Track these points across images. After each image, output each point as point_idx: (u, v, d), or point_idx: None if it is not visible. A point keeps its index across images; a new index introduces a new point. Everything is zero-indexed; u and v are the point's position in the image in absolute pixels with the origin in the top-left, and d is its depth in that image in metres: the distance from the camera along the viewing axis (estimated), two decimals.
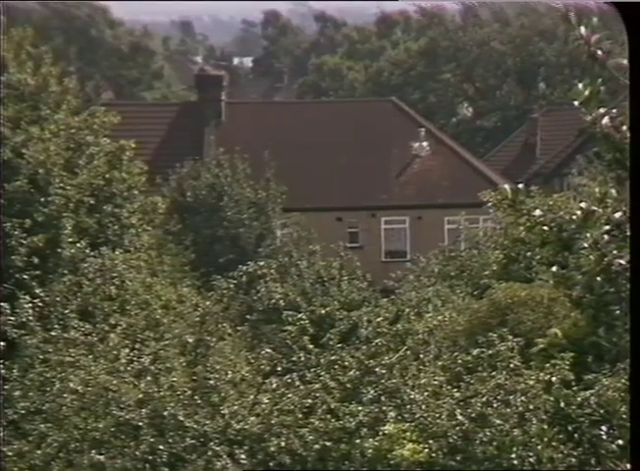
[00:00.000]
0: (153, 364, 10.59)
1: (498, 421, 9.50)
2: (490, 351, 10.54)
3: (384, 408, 9.89)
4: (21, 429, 10.10)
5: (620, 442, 7.76)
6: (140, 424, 9.81)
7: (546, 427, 9.26)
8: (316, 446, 9.44)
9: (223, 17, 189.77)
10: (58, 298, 13.90)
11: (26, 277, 16.64)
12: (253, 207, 32.02)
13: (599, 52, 6.08)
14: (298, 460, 9.33)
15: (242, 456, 9.41)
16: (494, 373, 10.16)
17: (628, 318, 7.15)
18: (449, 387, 10.24)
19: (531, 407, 9.54)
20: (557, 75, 62.28)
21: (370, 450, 9.46)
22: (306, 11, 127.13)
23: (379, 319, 11.25)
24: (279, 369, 10.56)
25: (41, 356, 11.06)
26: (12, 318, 11.51)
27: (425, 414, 9.73)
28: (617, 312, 7.42)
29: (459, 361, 10.70)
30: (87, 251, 17.42)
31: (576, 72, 55.45)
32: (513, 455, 9.12)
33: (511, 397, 9.73)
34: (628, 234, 6.31)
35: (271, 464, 9.30)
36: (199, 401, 10.17)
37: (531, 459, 9.03)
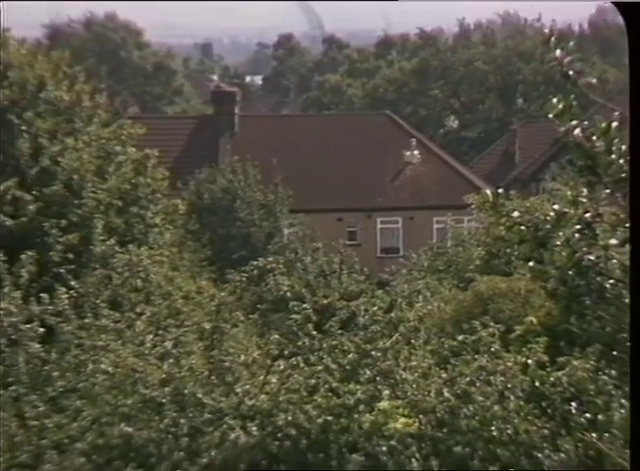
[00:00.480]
0: (175, 348, 10.58)
1: (480, 398, 9.50)
2: (473, 337, 10.52)
3: (379, 387, 9.88)
4: (59, 404, 10.11)
5: (588, 415, 7.78)
6: (164, 401, 9.82)
7: (522, 403, 9.27)
8: (319, 421, 9.44)
9: (241, 39, 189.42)
10: (90, 290, 13.91)
11: (62, 270, 16.65)
12: (263, 209, 32.02)
13: (571, 72, 6.09)
14: (303, 432, 9.34)
15: (254, 429, 9.42)
16: (477, 356, 10.15)
17: (601, 308, 7.17)
18: (437, 368, 10.23)
19: (509, 386, 9.54)
20: (533, 91, 62.26)
21: (367, 424, 9.47)
22: (318, 34, 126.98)
23: (375, 308, 11.21)
24: (286, 352, 10.54)
25: (76, 341, 11.06)
26: (50, 307, 11.52)
27: (415, 392, 9.74)
28: (587, 302, 7.41)
29: (446, 346, 10.69)
30: (116, 248, 17.43)
31: (550, 89, 55.37)
32: (494, 428, 9.13)
33: (492, 378, 9.73)
34: (597, 232, 6.32)
35: (279, 436, 9.32)
36: (215, 381, 10.17)
37: (509, 431, 9.04)
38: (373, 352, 10.15)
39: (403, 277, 22.73)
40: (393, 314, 11.03)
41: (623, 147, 5.99)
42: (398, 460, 8.99)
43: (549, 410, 8.93)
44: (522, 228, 6.43)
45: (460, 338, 10.63)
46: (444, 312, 14.22)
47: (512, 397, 9.44)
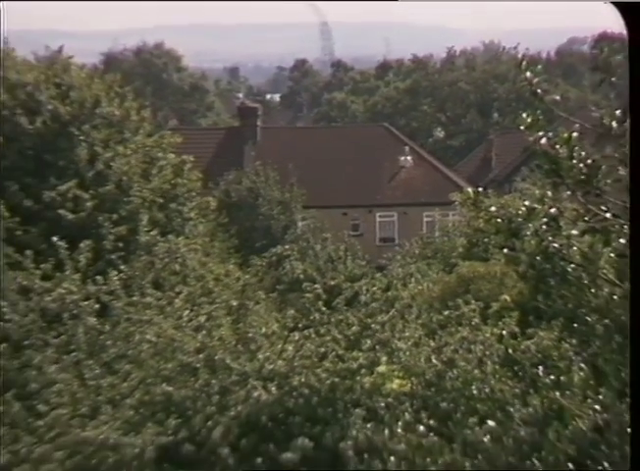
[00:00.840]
0: (207, 321, 10.58)
1: (462, 363, 9.48)
2: (457, 312, 10.49)
3: (378, 354, 9.88)
4: (112, 368, 10.15)
5: (552, 377, 7.79)
6: (198, 365, 9.83)
7: (498, 367, 9.26)
8: (328, 382, 9.45)
9: (263, 63, 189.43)
10: (137, 273, 13.91)
11: (113, 257, 16.72)
12: (281, 205, 32.08)
13: (538, 90, 6.08)
14: (314, 391, 9.34)
15: (273, 389, 9.43)
16: (460, 328, 10.14)
17: (564, 288, 7.15)
18: (426, 338, 10.21)
19: (487, 353, 9.52)
20: (507, 107, 62.14)
21: (367, 385, 9.47)
22: (328, 59, 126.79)
23: (374, 288, 11.18)
24: (300, 325, 10.53)
25: (125, 315, 11.07)
26: (104, 287, 11.55)
27: (408, 358, 9.73)
28: (552, 283, 7.41)
29: (434, 319, 10.66)
30: (158, 238, 17.47)
31: (521, 105, 55.18)
32: (474, 388, 9.13)
33: (473, 346, 9.71)
34: (561, 225, 6.31)
35: (294, 394, 9.32)
36: (241, 349, 10.17)
37: (486, 390, 9.04)
38: (373, 325, 10.14)
39: (398, 262, 22.73)
40: (389, 293, 11.01)
41: (583, 154, 5.98)
42: (393, 414, 9.00)
43: (520, 373, 8.94)
44: (498, 220, 6.44)
45: (446, 313, 10.61)
46: (432, 291, 14.24)
47: (489, 363, 9.43)
